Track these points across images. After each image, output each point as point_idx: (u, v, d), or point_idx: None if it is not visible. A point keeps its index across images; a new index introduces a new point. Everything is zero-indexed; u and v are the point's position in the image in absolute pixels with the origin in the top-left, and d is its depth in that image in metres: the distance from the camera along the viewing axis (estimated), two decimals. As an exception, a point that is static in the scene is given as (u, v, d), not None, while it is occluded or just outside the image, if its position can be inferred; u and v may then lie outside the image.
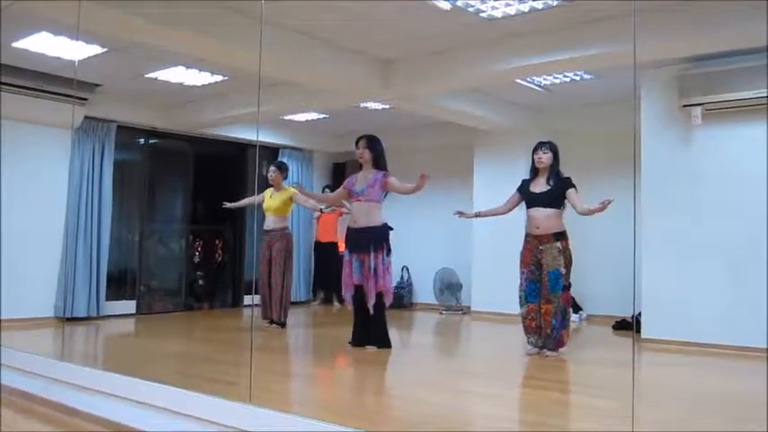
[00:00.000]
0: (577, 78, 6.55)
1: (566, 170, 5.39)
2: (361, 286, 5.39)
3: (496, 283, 8.04)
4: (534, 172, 5.35)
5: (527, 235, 5.28)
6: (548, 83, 6.76)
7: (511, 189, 5.60)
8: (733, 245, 5.68)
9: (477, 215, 5.71)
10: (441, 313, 8.45)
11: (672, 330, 5.87)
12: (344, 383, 4.68)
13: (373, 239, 5.32)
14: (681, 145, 6.04)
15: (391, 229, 5.46)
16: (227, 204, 7.06)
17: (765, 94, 5.42)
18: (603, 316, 6.88)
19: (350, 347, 5.44)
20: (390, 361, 5.10)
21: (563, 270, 5.07)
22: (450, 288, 8.54)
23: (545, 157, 5.26)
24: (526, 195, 5.34)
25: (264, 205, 6.81)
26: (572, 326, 5.98)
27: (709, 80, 5.72)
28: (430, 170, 7.69)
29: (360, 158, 5.56)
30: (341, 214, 8.76)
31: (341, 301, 9.26)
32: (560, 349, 5.16)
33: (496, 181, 8.09)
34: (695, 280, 5.82)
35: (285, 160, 9.19)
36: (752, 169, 5.63)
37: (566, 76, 6.51)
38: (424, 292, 8.86)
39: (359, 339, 5.46)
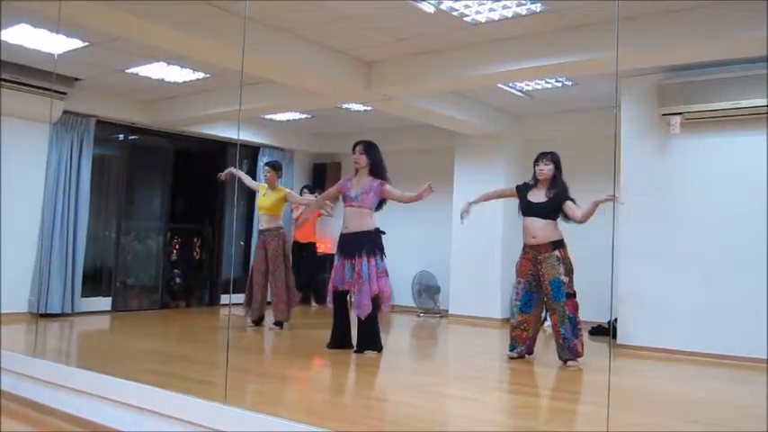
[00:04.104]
0: (558, 85, 6.61)
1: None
2: (343, 292, 5.38)
3: (474, 287, 8.10)
4: (535, 180, 5.27)
5: (524, 245, 5.19)
6: (529, 88, 6.80)
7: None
8: (708, 253, 5.76)
9: (473, 203, 5.47)
10: (418, 316, 8.46)
11: (646, 337, 5.94)
12: (320, 385, 4.67)
13: (365, 244, 5.22)
14: (659, 153, 6.11)
15: (383, 233, 5.40)
16: (231, 170, 6.74)
17: (742, 106, 5.51)
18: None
19: (327, 350, 5.43)
20: (367, 363, 5.08)
21: (564, 278, 4.99)
22: (428, 291, 8.55)
23: (546, 169, 5.17)
24: (522, 202, 5.24)
25: (257, 203, 6.77)
26: (546, 332, 6.02)
27: (688, 90, 5.78)
28: (410, 173, 7.73)
29: (355, 163, 5.43)
30: (319, 215, 8.75)
31: (318, 301, 9.27)
32: (578, 359, 5.00)
33: (477, 184, 8.11)
34: (670, 287, 5.89)
35: (266, 159, 9.18)
36: (727, 178, 5.72)
37: (547, 82, 6.56)
38: (402, 294, 8.85)
39: (337, 342, 5.46)
